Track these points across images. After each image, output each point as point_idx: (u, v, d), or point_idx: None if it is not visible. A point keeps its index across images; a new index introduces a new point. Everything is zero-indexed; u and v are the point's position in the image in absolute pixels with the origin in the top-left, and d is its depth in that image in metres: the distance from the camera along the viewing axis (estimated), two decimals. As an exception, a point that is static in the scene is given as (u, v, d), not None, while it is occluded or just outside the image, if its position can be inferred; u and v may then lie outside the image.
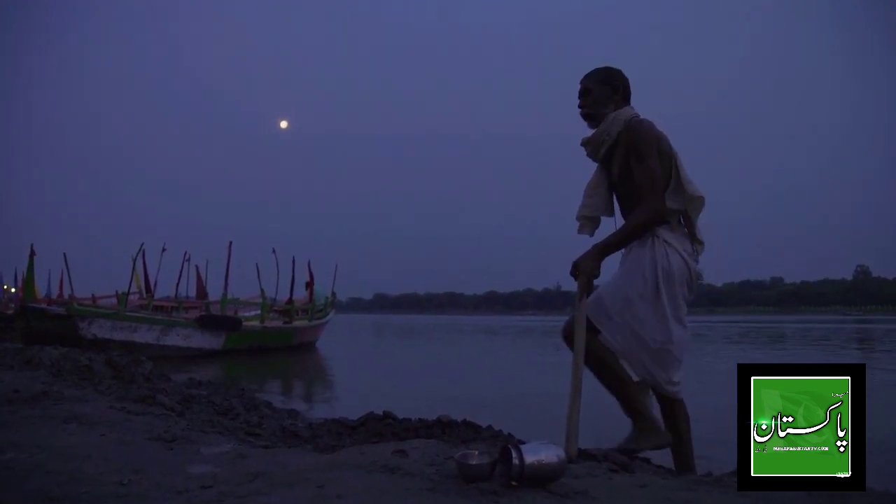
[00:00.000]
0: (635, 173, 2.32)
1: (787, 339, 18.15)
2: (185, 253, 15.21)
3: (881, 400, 5.29)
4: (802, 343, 15.99)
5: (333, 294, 17.21)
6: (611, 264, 2.40)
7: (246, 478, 1.75)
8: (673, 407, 2.42)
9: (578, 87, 2.50)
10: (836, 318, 49.82)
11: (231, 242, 14.10)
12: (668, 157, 2.35)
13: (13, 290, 23.10)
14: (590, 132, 2.48)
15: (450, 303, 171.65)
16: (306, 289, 15.73)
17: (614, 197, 2.52)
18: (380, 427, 3.08)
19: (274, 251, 15.10)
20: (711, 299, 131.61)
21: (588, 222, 2.53)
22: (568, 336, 2.35)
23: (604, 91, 2.44)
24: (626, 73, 2.51)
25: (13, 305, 17.52)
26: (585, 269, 2.30)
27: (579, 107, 2.48)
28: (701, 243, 2.41)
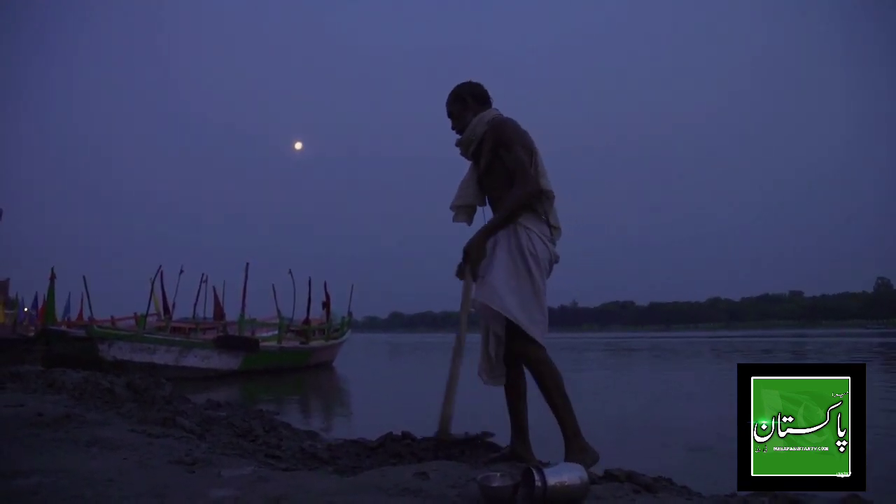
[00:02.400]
0: (506, 160, 2.60)
1: (812, 354, 17.90)
2: (203, 274, 15.31)
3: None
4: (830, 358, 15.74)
5: (349, 314, 17.24)
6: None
7: (268, 502, 1.75)
8: (532, 372, 2.55)
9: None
10: (858, 332, 49.09)
11: (248, 264, 14.22)
12: (530, 152, 2.62)
13: (26, 309, 23.42)
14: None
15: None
16: (323, 308, 15.78)
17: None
18: (399, 448, 3.06)
19: (290, 272, 15.21)
20: (730, 314, 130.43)
21: (461, 211, 2.83)
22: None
23: (458, 106, 2.79)
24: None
25: (33, 328, 17.71)
26: (474, 252, 2.54)
27: (452, 128, 2.82)
28: (557, 228, 2.66)
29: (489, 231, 2.56)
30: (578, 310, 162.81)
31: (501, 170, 2.63)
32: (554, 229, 2.65)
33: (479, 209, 2.85)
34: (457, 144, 2.83)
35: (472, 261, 2.54)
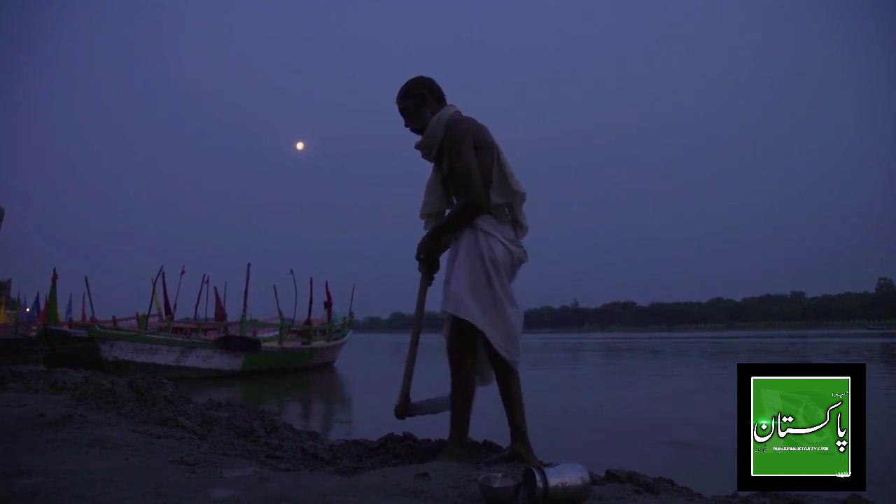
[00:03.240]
0: (454, 167, 2.53)
1: (813, 354, 17.88)
2: (204, 275, 15.33)
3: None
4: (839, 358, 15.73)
5: (351, 314, 17.25)
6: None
7: (269, 502, 1.75)
8: (508, 375, 2.59)
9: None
10: (860, 333, 49.03)
11: (249, 264, 14.23)
12: (489, 149, 2.55)
13: (28, 309, 23.46)
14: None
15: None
16: (325, 308, 15.79)
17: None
18: (400, 448, 3.06)
19: (292, 272, 15.22)
20: (731, 314, 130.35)
21: (432, 219, 2.76)
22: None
23: (413, 102, 2.68)
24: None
25: (34, 328, 17.74)
26: (427, 253, 2.64)
27: (406, 126, 2.73)
28: (522, 227, 2.64)
29: (436, 233, 2.63)
30: (580, 310, 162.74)
31: None
32: (520, 229, 2.64)
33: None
34: (417, 147, 2.74)
35: (422, 262, 2.67)
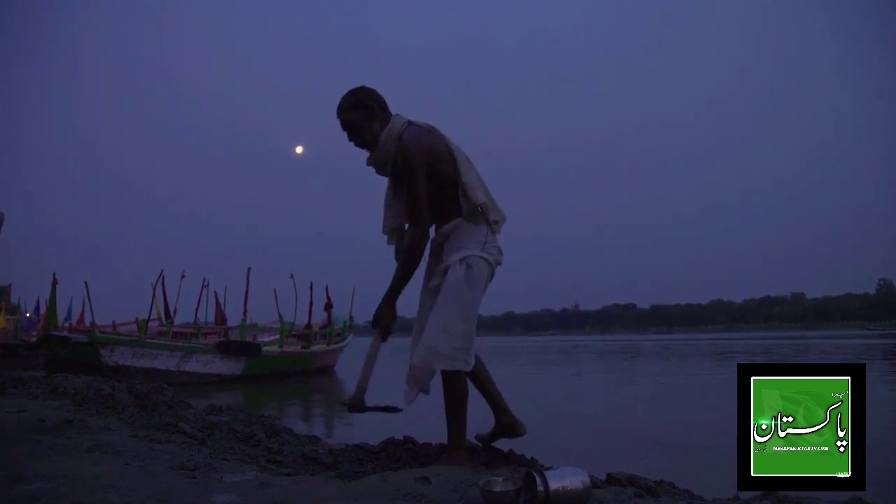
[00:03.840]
0: (404, 196, 2.49)
1: (814, 355, 17.88)
2: (204, 279, 15.34)
3: None
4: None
5: (351, 318, 17.25)
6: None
7: (270, 507, 1.75)
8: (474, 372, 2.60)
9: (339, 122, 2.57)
10: (861, 334, 49.03)
11: (249, 268, 14.23)
12: (446, 160, 2.48)
13: (28, 314, 23.46)
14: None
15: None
16: (325, 311, 15.79)
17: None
18: (401, 452, 3.06)
19: (292, 276, 15.23)
20: (732, 316, 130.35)
21: (394, 233, 2.70)
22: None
23: (359, 115, 2.50)
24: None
25: (34, 333, 17.75)
26: (384, 321, 2.59)
27: (350, 140, 2.56)
28: (497, 223, 2.58)
29: (393, 296, 2.59)
30: (580, 312, 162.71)
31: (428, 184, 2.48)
32: (494, 225, 2.58)
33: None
34: (369, 164, 2.58)
35: (382, 328, 2.62)
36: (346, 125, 2.54)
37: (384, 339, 2.69)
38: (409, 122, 2.52)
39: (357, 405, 2.78)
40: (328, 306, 15.81)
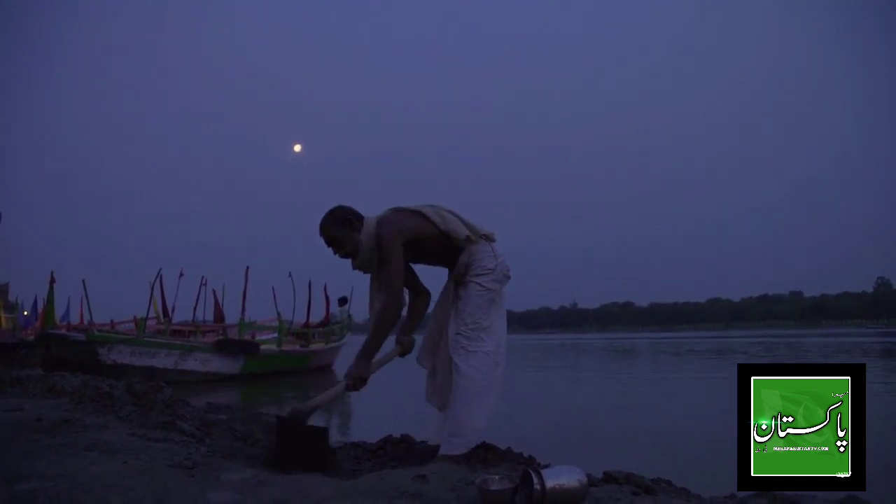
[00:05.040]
0: (381, 275, 2.78)
1: (813, 355, 17.89)
2: (203, 277, 15.30)
3: None
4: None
5: (349, 316, 17.24)
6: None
7: (267, 505, 1.75)
8: None
9: (322, 238, 2.88)
10: (859, 332, 49.04)
11: (248, 267, 14.20)
12: (424, 226, 2.86)
13: (26, 313, 23.42)
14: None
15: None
16: (340, 304, 15.82)
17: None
18: (399, 450, 3.07)
19: (290, 274, 15.21)
20: (730, 314, 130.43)
21: None
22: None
23: (343, 230, 2.82)
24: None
25: (31, 331, 17.71)
26: (356, 374, 2.72)
27: (335, 254, 2.87)
28: (488, 236, 2.97)
29: (366, 355, 2.75)
30: (578, 311, 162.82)
31: (415, 251, 2.88)
32: (492, 239, 2.97)
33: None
34: (356, 268, 2.90)
35: (353, 380, 2.71)
36: (331, 241, 2.85)
37: (350, 390, 2.79)
38: (378, 219, 2.85)
39: (291, 420, 2.72)
40: (326, 306, 15.80)
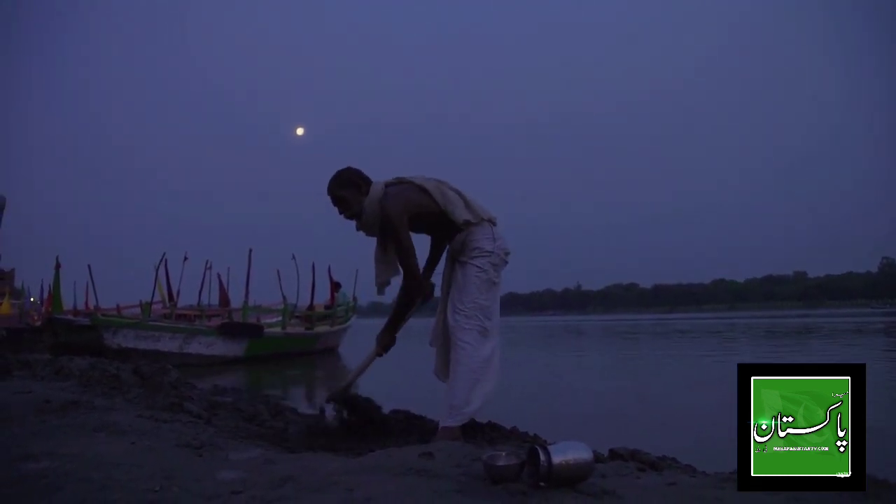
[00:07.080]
0: (393, 249, 2.86)
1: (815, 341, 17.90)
2: (207, 261, 15.34)
3: None
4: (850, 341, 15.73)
5: (355, 299, 17.26)
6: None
7: (275, 483, 1.76)
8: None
9: (329, 198, 2.94)
10: (864, 312, 48.99)
11: (251, 250, 14.20)
12: (426, 203, 2.88)
13: (32, 299, 23.53)
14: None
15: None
16: (331, 293, 15.79)
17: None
18: (398, 422, 3.10)
19: (294, 257, 15.21)
20: (733, 295, 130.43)
21: (385, 286, 3.01)
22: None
23: (350, 191, 2.88)
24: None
25: (38, 316, 17.80)
26: (383, 342, 3.09)
27: (340, 213, 2.93)
28: (490, 221, 2.99)
29: (392, 327, 3.08)
30: (582, 292, 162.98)
31: (413, 223, 2.88)
32: (493, 222, 2.99)
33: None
34: (359, 230, 2.96)
35: (381, 345, 3.09)
36: (338, 201, 2.91)
37: (380, 355, 3.12)
38: (386, 186, 2.89)
39: (337, 398, 3.18)
40: (331, 288, 15.80)
